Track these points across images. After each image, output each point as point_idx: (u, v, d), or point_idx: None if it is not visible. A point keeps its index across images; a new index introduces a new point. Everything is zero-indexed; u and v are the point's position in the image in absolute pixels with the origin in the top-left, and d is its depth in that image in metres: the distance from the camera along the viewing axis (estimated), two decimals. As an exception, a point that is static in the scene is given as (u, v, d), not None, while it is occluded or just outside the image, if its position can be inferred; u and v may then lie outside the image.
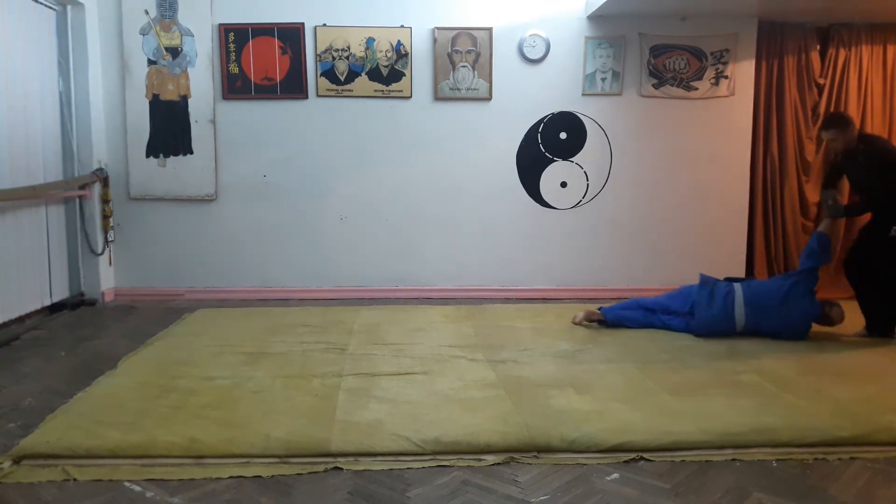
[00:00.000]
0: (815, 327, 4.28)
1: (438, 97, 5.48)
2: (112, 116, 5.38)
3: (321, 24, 5.37)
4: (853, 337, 4.31)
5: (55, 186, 4.89)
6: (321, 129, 5.49)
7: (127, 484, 2.44)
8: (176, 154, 5.43)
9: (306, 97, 5.44)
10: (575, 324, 4.56)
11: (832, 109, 5.71)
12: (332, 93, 5.45)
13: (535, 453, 2.68)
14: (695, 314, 4.29)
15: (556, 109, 5.56)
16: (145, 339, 4.20)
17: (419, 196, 5.59)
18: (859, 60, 5.70)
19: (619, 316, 4.50)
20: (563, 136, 5.60)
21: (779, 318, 4.20)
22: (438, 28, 5.41)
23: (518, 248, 5.66)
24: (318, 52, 5.39)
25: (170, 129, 5.40)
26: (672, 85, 5.57)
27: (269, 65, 5.39)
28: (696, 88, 5.58)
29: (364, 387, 3.31)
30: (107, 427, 2.79)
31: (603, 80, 5.54)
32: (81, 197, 5.20)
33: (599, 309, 4.58)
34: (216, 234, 5.53)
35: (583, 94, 5.55)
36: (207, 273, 5.55)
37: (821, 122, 4.42)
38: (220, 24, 5.33)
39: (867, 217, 4.47)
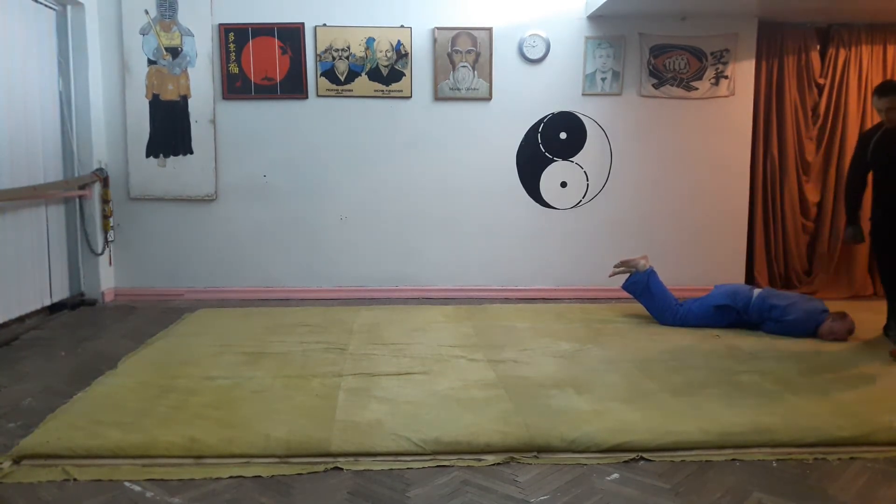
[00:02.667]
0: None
1: (438, 97, 5.48)
2: (112, 116, 5.38)
3: (321, 24, 5.37)
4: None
5: (55, 186, 4.89)
6: (321, 129, 5.49)
7: (127, 484, 2.44)
8: (176, 154, 5.43)
9: (306, 97, 5.44)
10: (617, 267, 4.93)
11: (833, 109, 5.72)
12: (332, 93, 5.45)
13: (535, 453, 2.68)
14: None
15: (556, 109, 5.56)
16: (145, 339, 4.20)
17: (419, 196, 5.58)
18: (859, 60, 5.70)
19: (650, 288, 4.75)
20: (563, 136, 5.60)
21: (789, 306, 4.36)
22: (438, 28, 5.41)
23: (518, 248, 5.66)
24: (318, 52, 5.39)
25: (170, 129, 5.40)
26: (672, 85, 5.57)
27: (269, 65, 5.39)
28: (696, 88, 5.58)
29: (364, 387, 3.31)
30: (107, 427, 2.79)
31: (603, 80, 5.54)
32: (81, 197, 5.20)
33: (644, 270, 4.82)
34: (216, 234, 5.53)
35: (583, 94, 5.55)
36: (207, 273, 5.55)
37: (876, 89, 4.01)
38: (220, 24, 5.33)
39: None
